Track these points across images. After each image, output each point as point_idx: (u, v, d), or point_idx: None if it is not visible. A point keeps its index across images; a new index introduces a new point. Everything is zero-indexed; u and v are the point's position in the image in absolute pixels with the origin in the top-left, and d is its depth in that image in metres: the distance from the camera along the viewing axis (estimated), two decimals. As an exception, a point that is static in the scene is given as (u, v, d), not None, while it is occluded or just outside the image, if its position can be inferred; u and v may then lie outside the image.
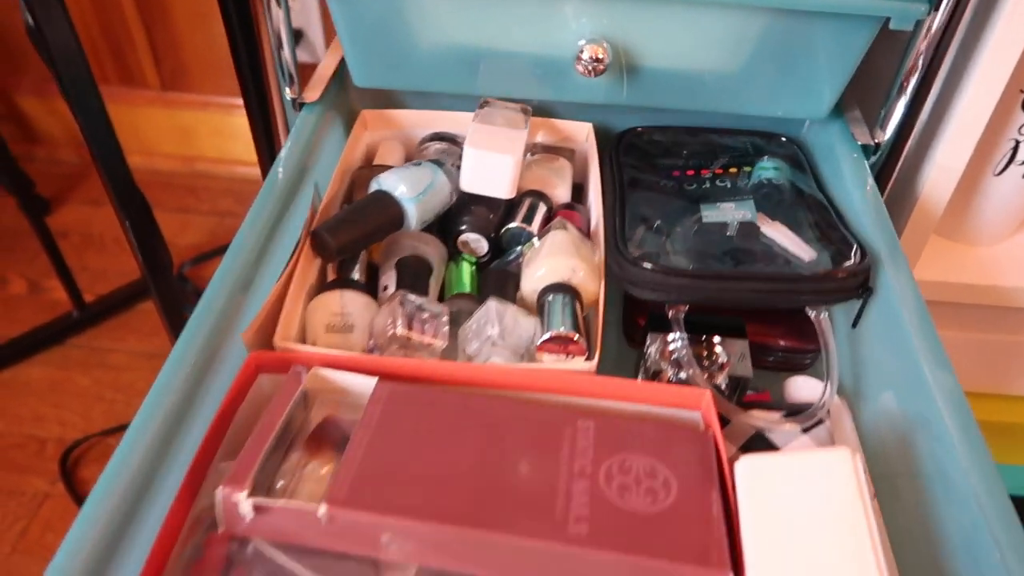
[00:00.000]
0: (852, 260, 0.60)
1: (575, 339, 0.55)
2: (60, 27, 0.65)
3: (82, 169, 1.80)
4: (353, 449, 0.44)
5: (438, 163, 0.66)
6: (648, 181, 0.71)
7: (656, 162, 0.73)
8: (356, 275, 0.61)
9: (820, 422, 0.54)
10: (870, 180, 0.68)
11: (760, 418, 0.54)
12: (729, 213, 0.66)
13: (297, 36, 1.57)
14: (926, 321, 0.55)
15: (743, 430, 0.54)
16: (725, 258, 0.61)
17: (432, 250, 0.64)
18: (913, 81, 0.68)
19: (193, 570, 0.42)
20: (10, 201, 1.68)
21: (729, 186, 0.70)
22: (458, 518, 0.42)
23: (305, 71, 1.74)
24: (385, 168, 0.68)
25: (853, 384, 0.61)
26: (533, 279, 0.60)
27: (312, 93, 0.69)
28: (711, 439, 0.49)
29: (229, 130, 1.72)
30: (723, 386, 0.58)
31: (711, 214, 0.66)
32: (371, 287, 0.61)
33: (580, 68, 0.59)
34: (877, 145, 0.72)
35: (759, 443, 0.54)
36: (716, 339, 0.60)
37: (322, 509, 0.41)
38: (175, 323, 0.87)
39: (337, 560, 0.43)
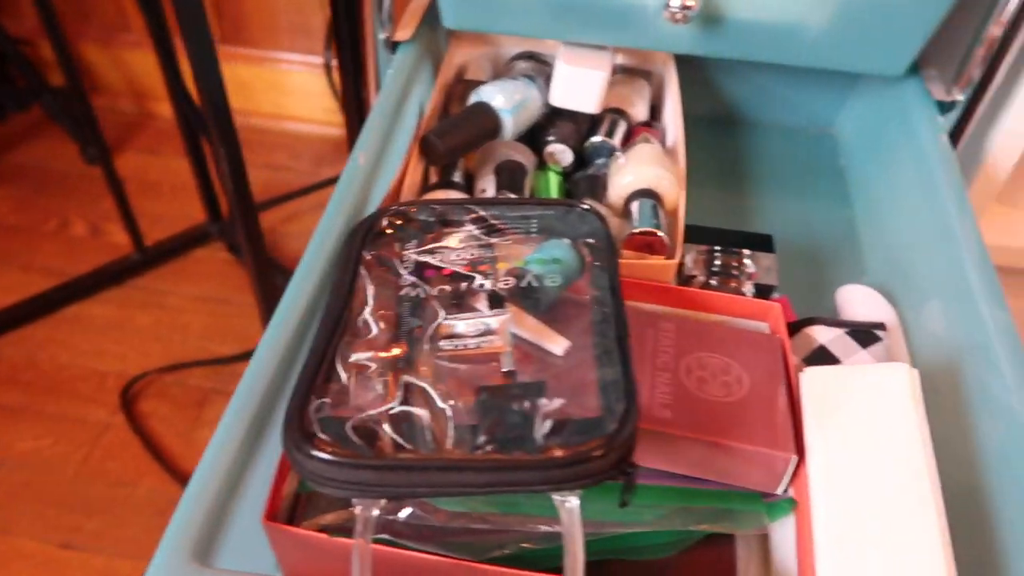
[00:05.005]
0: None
1: (658, 235, 0.60)
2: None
3: (140, 119, 1.83)
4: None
5: (531, 78, 0.71)
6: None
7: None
8: (456, 179, 0.66)
9: (878, 339, 0.59)
10: (943, 136, 0.69)
11: (823, 333, 0.59)
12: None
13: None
14: (985, 260, 0.59)
15: (807, 343, 0.59)
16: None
17: (524, 158, 0.69)
18: (994, 35, 0.67)
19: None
20: (72, 147, 1.74)
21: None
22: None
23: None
24: (476, 83, 0.73)
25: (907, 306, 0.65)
26: (620, 186, 0.65)
27: (404, 32, 0.73)
28: (779, 344, 0.54)
29: (284, 86, 1.76)
30: (750, 294, 0.63)
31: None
32: (467, 190, 0.66)
33: (667, 15, 0.62)
34: (952, 104, 0.72)
35: (822, 356, 0.59)
36: (746, 252, 0.65)
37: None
38: (258, 259, 0.93)
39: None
